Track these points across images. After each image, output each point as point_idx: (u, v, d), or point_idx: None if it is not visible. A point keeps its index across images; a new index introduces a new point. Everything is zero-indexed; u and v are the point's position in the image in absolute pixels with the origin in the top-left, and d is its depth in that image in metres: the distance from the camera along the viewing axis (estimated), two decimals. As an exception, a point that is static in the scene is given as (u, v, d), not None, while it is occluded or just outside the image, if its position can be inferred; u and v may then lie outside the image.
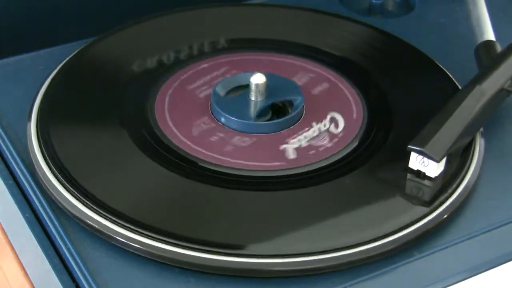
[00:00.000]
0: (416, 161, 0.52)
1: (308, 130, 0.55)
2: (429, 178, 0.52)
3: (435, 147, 0.51)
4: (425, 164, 0.51)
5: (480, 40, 0.61)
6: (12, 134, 0.56)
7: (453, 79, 0.60)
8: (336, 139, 0.55)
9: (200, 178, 0.52)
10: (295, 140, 0.55)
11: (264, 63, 0.61)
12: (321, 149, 0.54)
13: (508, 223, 0.51)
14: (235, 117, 0.55)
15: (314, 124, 0.56)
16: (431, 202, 0.50)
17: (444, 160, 0.52)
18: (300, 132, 0.55)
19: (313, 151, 0.54)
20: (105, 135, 0.55)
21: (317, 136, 0.55)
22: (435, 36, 0.67)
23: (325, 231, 0.49)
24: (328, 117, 0.57)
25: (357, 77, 0.60)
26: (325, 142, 0.55)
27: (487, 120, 0.56)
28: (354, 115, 0.57)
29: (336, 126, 0.56)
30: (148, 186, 0.51)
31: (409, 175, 0.52)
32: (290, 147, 0.54)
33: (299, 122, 0.56)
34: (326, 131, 0.55)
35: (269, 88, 0.56)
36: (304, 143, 0.54)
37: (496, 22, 0.63)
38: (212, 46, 0.63)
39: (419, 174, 0.52)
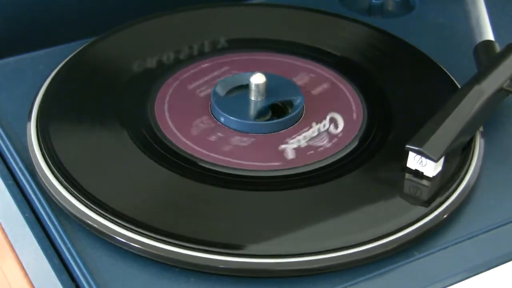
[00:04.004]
0: (414, 161, 0.52)
1: (308, 130, 0.55)
2: (427, 177, 0.52)
3: (433, 146, 0.51)
4: (423, 164, 0.51)
5: (479, 40, 0.61)
6: (12, 134, 0.56)
7: (453, 79, 0.60)
8: (335, 139, 0.55)
9: (200, 178, 0.52)
10: (295, 140, 0.55)
11: (264, 63, 0.61)
12: (320, 149, 0.54)
13: (508, 223, 0.51)
14: (234, 117, 0.55)
15: (313, 124, 0.56)
16: (429, 202, 0.50)
17: (442, 160, 0.52)
18: (300, 132, 0.55)
19: (313, 151, 0.54)
20: (105, 135, 0.55)
21: (316, 136, 0.55)
22: (435, 36, 0.67)
23: (325, 231, 0.49)
24: (328, 117, 0.57)
25: (357, 77, 0.60)
26: (325, 142, 0.55)
27: (486, 120, 0.56)
28: (354, 115, 0.57)
29: (336, 126, 0.56)
30: (148, 186, 0.51)
31: (407, 175, 0.52)
32: (290, 147, 0.54)
33: (298, 122, 0.56)
34: (326, 131, 0.55)
35: (269, 88, 0.56)
36: (303, 143, 0.54)
37: (496, 22, 0.63)
38: (212, 46, 0.63)
39: (417, 173, 0.52)
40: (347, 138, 0.55)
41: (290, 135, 0.55)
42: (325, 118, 0.56)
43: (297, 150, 0.54)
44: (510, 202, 0.52)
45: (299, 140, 0.55)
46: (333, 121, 0.56)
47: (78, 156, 0.53)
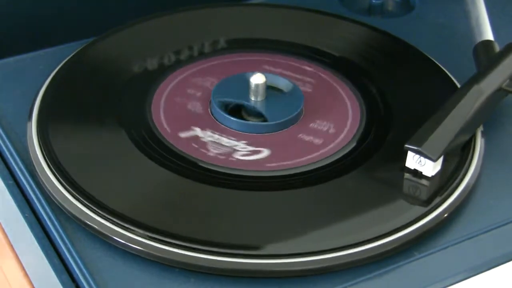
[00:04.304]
0: (413, 161, 0.52)
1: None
2: (426, 177, 0.52)
3: (431, 146, 0.51)
4: (422, 164, 0.51)
5: (478, 40, 0.61)
6: (12, 134, 0.56)
7: (453, 78, 0.60)
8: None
9: (200, 178, 0.52)
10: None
11: (264, 63, 0.61)
12: (320, 149, 0.54)
13: (508, 223, 0.51)
14: (234, 118, 0.55)
15: (313, 124, 0.56)
16: (428, 202, 0.50)
17: (441, 160, 0.52)
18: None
19: (312, 151, 0.54)
20: (105, 135, 0.55)
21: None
22: (435, 36, 0.67)
23: (325, 231, 0.49)
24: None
25: (357, 77, 0.60)
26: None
27: (485, 120, 0.56)
28: (353, 115, 0.57)
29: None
30: (147, 187, 0.51)
31: (406, 175, 0.52)
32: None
33: (298, 122, 0.56)
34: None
35: (269, 88, 0.56)
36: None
37: (496, 22, 0.63)
38: (212, 46, 0.63)
39: (416, 173, 0.52)
40: (346, 138, 0.55)
41: (290, 135, 0.55)
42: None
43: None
44: (510, 202, 0.52)
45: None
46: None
47: (78, 156, 0.53)
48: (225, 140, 0.54)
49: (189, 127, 0.55)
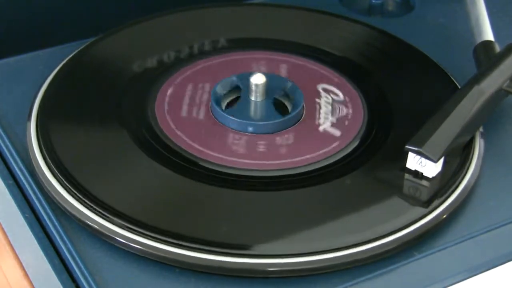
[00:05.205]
0: (413, 161, 0.52)
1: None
2: (426, 178, 0.52)
3: (432, 147, 0.51)
4: (422, 164, 0.51)
5: (478, 40, 0.61)
6: (12, 134, 0.56)
7: (453, 79, 0.60)
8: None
9: (200, 178, 0.52)
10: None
11: (264, 63, 0.61)
12: (320, 149, 0.54)
13: (508, 223, 0.51)
14: (235, 117, 0.55)
15: (313, 124, 0.56)
16: (429, 203, 0.50)
17: (441, 160, 0.52)
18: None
19: (312, 151, 0.54)
20: (105, 135, 0.55)
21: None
22: (435, 36, 0.67)
23: (325, 231, 0.49)
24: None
25: (357, 77, 0.60)
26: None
27: (485, 120, 0.56)
28: (354, 115, 0.57)
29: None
30: (148, 186, 0.51)
31: (406, 175, 0.52)
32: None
33: (299, 123, 0.56)
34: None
35: (269, 88, 0.56)
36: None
37: (496, 22, 0.63)
38: (212, 46, 0.63)
39: (417, 174, 0.52)
40: (346, 138, 0.55)
41: (290, 135, 0.55)
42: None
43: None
44: (510, 202, 0.52)
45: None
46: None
47: (78, 156, 0.53)
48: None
49: (192, 126, 0.55)
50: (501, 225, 0.51)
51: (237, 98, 0.57)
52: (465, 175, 0.52)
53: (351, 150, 0.54)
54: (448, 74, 0.60)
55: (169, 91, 0.58)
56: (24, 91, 0.59)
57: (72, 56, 0.61)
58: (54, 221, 0.50)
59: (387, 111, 0.57)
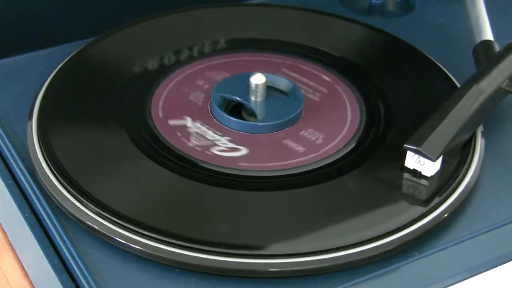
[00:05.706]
0: (412, 160, 0.52)
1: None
2: (425, 177, 0.52)
3: (431, 146, 0.51)
4: (421, 163, 0.51)
5: (478, 40, 0.61)
6: (12, 134, 0.56)
7: (453, 78, 0.60)
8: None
9: (200, 178, 0.52)
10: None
11: (264, 63, 0.61)
12: (320, 149, 0.54)
13: (508, 223, 0.51)
14: (234, 117, 0.55)
15: (313, 124, 0.56)
16: (427, 202, 0.50)
17: (440, 159, 0.52)
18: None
19: (312, 151, 0.54)
20: (104, 135, 0.55)
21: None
22: (435, 36, 0.67)
23: (325, 231, 0.49)
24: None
25: (357, 77, 0.60)
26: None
27: (485, 120, 0.56)
28: (353, 115, 0.57)
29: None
30: (147, 187, 0.51)
31: (405, 175, 0.52)
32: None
33: (298, 122, 0.56)
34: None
35: (269, 88, 0.56)
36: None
37: (495, 22, 0.63)
38: (212, 46, 0.63)
39: (415, 173, 0.52)
40: (346, 138, 0.55)
41: (290, 135, 0.55)
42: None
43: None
44: (510, 202, 0.52)
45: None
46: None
47: (78, 156, 0.53)
48: (210, 134, 0.54)
49: (191, 126, 0.55)
50: (501, 225, 0.51)
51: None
52: (465, 175, 0.52)
53: (350, 150, 0.54)
54: (448, 74, 0.60)
55: (169, 91, 0.58)
56: (24, 91, 0.59)
57: (72, 56, 0.61)
58: (54, 221, 0.50)
59: (386, 111, 0.57)
